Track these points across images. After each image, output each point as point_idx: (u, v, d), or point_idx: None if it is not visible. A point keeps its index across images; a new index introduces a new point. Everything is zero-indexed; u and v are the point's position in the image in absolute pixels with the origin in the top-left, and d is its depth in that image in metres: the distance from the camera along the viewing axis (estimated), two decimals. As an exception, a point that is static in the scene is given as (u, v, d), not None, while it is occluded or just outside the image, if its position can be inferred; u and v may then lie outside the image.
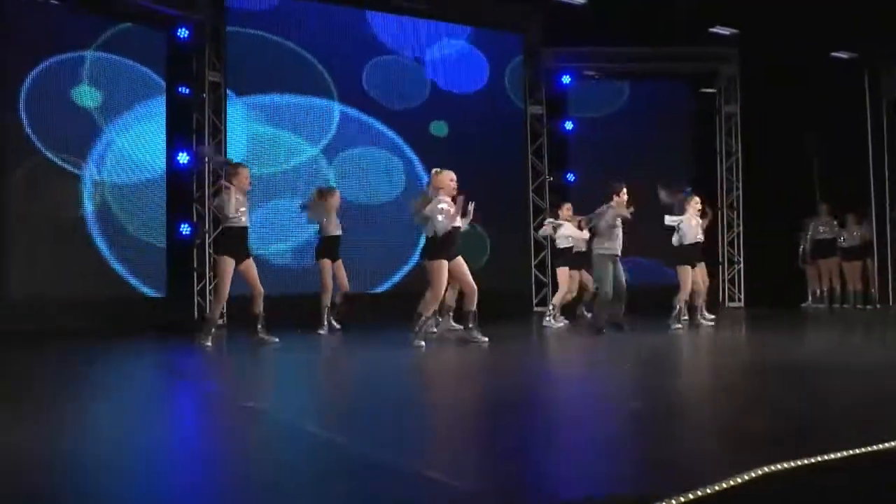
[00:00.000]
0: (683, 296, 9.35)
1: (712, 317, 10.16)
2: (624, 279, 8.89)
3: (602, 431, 3.84)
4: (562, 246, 10.66)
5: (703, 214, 10.06)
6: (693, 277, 9.58)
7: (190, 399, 5.31)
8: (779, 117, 13.16)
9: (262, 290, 8.05)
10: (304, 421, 4.13)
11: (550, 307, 10.48)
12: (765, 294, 13.13)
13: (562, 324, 10.29)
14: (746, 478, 2.67)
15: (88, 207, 10.39)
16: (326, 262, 9.36)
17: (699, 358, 7.43)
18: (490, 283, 10.77)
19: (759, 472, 2.72)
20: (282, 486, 2.87)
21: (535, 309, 13.18)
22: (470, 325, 7.82)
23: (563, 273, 10.50)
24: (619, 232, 8.92)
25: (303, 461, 3.32)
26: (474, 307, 7.81)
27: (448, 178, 7.87)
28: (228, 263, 7.82)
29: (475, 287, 7.86)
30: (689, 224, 9.60)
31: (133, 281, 10.64)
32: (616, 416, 4.22)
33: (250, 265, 8.01)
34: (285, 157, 11.80)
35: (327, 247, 9.43)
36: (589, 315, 10.54)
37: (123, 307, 10.41)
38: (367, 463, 3.19)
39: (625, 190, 9.04)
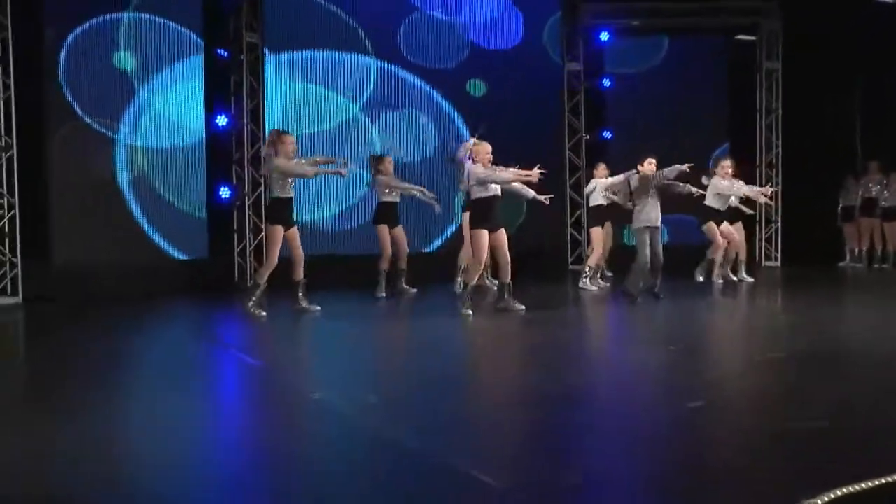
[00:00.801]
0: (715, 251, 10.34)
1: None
2: (661, 251, 8.87)
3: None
4: (594, 204, 10.68)
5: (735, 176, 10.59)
6: (730, 235, 10.46)
7: (251, 387, 5.47)
8: (821, 73, 12.92)
9: (303, 255, 8.22)
10: (358, 414, 4.25)
11: (587, 269, 10.52)
12: (802, 253, 13.05)
13: (596, 287, 10.34)
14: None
15: (127, 172, 10.50)
16: (383, 228, 9.61)
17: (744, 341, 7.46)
18: (526, 240, 10.85)
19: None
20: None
21: (571, 267, 13.22)
22: (506, 296, 7.95)
23: (596, 233, 10.52)
24: (655, 202, 8.87)
25: (362, 461, 3.43)
26: (509, 279, 7.91)
27: (485, 150, 7.92)
28: (279, 232, 8.02)
29: (509, 259, 7.94)
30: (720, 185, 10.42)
31: (173, 244, 10.76)
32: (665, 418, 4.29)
33: (295, 233, 8.20)
34: (326, 116, 11.82)
35: (383, 212, 9.67)
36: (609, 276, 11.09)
37: (165, 270, 10.57)
38: (431, 465, 3.30)
39: (652, 161, 8.98)
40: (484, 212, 7.80)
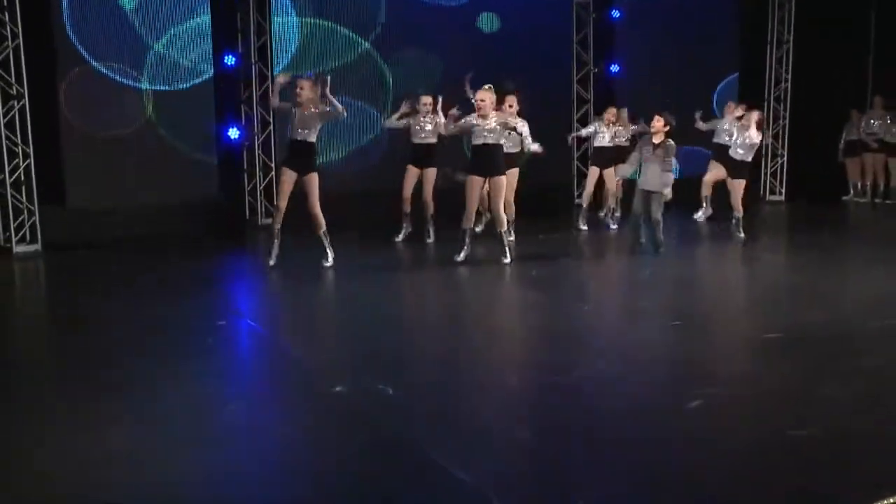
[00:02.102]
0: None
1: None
2: (658, 214, 8.81)
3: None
4: (598, 145, 10.99)
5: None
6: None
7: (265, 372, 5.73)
8: (835, 5, 12.74)
9: (316, 211, 8.22)
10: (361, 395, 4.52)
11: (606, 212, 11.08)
12: (806, 187, 13.15)
13: (616, 226, 10.74)
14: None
15: (137, 114, 10.55)
16: (410, 169, 9.63)
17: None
18: (532, 175, 10.95)
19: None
20: None
21: (577, 201, 13.33)
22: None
23: (608, 174, 10.76)
24: (655, 167, 8.79)
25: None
26: (501, 229, 8.44)
27: (479, 96, 8.32)
28: (287, 175, 8.12)
29: (502, 213, 8.43)
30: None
31: (185, 185, 10.87)
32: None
33: (311, 181, 8.10)
34: (337, 53, 11.75)
35: (413, 153, 9.68)
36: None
37: (179, 212, 10.69)
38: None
39: (660, 121, 8.85)
40: (475, 158, 8.39)
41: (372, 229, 9.95)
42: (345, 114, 8.13)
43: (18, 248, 9.42)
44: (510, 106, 9.22)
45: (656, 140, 8.83)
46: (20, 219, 9.48)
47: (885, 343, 5.71)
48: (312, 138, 8.12)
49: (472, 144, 8.44)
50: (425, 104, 9.61)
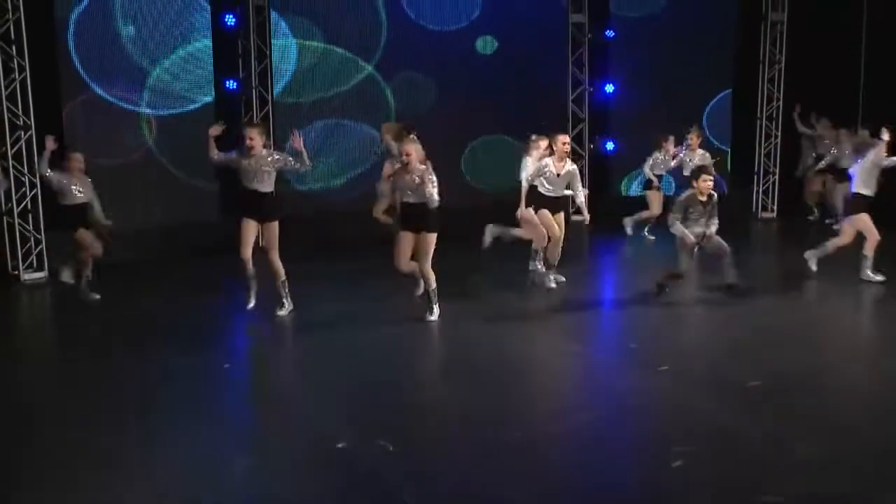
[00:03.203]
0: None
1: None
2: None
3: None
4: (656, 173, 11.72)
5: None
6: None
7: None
8: (827, 27, 12.95)
9: (274, 260, 7.86)
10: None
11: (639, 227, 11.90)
12: (797, 205, 13.40)
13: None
14: None
15: (139, 141, 10.80)
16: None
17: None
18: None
19: None
20: None
21: (573, 218, 13.54)
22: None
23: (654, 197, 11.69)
24: (703, 220, 8.41)
25: None
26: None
27: (405, 149, 7.72)
28: (247, 223, 7.75)
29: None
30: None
31: (187, 210, 11.10)
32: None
33: (271, 230, 7.81)
34: (339, 76, 12.00)
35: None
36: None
37: (181, 235, 10.92)
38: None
39: (706, 181, 8.34)
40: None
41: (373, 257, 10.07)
42: (310, 166, 7.85)
43: (26, 276, 9.67)
44: (563, 143, 8.87)
45: (702, 197, 8.39)
46: (27, 246, 9.71)
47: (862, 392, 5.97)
48: (267, 188, 7.70)
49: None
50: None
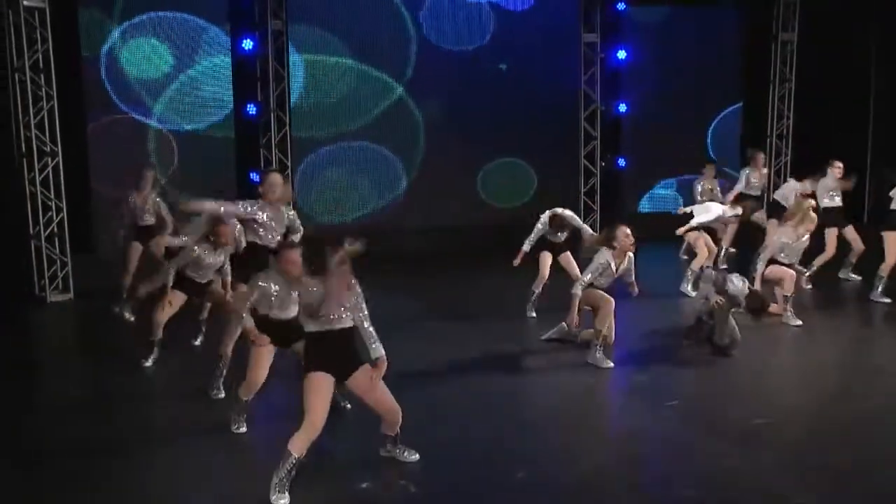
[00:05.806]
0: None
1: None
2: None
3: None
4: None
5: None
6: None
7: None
8: (838, 47, 13.10)
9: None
10: None
11: (689, 272, 10.08)
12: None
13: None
14: None
15: (160, 162, 11.13)
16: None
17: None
18: (539, 209, 11.41)
19: None
20: None
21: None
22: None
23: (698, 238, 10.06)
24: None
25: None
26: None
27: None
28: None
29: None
30: None
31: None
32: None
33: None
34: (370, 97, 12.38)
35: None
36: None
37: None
38: None
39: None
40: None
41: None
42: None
43: (52, 297, 9.95)
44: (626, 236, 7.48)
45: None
46: (53, 269, 9.99)
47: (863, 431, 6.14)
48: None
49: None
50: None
